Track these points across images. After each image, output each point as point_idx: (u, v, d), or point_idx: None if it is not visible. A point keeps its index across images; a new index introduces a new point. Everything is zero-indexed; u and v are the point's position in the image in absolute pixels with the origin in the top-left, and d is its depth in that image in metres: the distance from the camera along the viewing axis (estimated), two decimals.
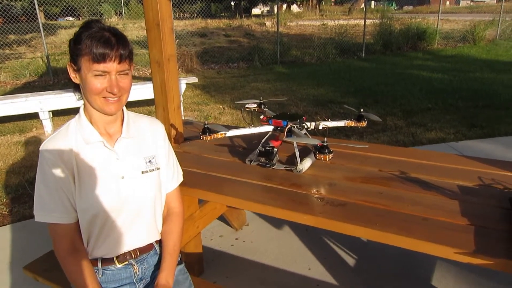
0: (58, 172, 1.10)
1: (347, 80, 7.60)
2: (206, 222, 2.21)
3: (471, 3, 39.55)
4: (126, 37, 1.13)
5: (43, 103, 4.63)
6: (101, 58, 1.06)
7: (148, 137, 1.28)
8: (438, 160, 1.76)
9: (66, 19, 19.04)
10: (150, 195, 1.24)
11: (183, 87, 5.13)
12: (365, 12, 11.15)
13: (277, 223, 2.71)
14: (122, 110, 1.23)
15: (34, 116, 4.93)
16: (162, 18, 1.78)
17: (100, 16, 18.42)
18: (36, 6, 7.24)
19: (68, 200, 1.13)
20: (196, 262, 2.19)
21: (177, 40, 9.41)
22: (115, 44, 1.07)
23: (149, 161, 1.25)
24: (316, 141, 1.46)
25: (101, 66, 1.07)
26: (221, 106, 5.90)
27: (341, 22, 12.74)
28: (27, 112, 4.69)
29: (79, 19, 19.56)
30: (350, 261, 2.30)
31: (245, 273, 2.23)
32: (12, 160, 4.01)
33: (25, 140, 4.62)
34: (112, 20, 16.35)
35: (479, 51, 10.76)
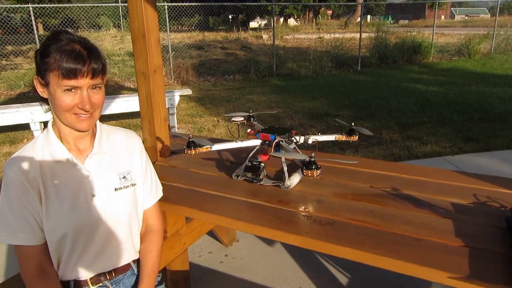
0: (22, 191, 1.03)
1: (343, 93, 7.59)
2: (193, 238, 2.12)
3: (466, 18, 40.15)
4: (98, 48, 1.07)
5: (34, 114, 4.56)
6: (72, 74, 0.99)
7: (123, 151, 1.21)
8: (431, 176, 1.70)
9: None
10: (125, 213, 1.17)
11: (176, 99, 5.09)
12: (361, 26, 11.23)
13: (268, 239, 2.62)
14: (95, 124, 1.17)
15: (26, 127, 4.86)
16: (148, 28, 1.73)
17: (99, 28, 18.52)
18: (32, 18, 7.25)
19: (35, 220, 1.05)
20: (182, 281, 2.09)
21: (173, 52, 9.41)
22: (87, 58, 1.01)
23: (124, 177, 1.18)
24: (304, 156, 1.40)
25: (72, 82, 1.00)
26: (216, 119, 5.86)
27: (337, 35, 12.81)
28: (18, 123, 4.62)
29: (77, 31, 19.64)
30: (343, 280, 2.22)
31: None
32: (0, 170, 3.92)
33: (15, 151, 4.54)
34: (111, 32, 16.41)
35: (474, 65, 10.84)
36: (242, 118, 1.72)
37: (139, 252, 1.26)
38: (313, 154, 1.37)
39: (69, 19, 16.45)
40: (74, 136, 1.11)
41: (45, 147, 1.09)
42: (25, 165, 1.05)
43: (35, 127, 4.62)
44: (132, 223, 1.21)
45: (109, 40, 13.49)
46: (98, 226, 1.11)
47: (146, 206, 1.28)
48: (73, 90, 1.01)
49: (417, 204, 1.43)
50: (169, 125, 5.42)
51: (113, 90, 8.28)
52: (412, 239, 1.19)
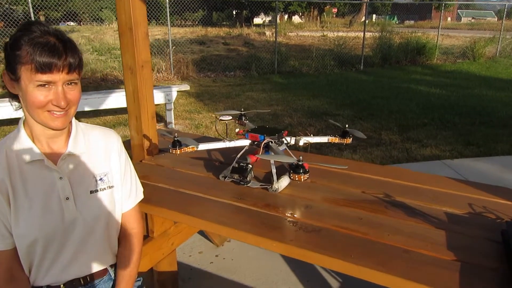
0: None
1: (344, 92, 7.51)
2: (182, 238, 2.07)
3: (472, 20, 39.87)
4: (74, 42, 1.00)
5: None
6: (46, 68, 0.92)
7: (100, 151, 1.15)
8: (426, 183, 1.63)
9: (68, 24, 19.05)
10: (101, 217, 1.11)
11: (174, 94, 5.02)
12: (365, 25, 11.13)
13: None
14: (70, 122, 1.09)
15: None
16: (135, 22, 1.66)
17: (101, 22, 18.43)
18: (31, 10, 7.19)
19: (3, 225, 0.99)
20: (170, 282, 2.04)
21: (174, 47, 9.33)
22: (63, 51, 0.94)
23: (100, 179, 1.12)
24: (292, 159, 1.34)
25: (46, 77, 0.93)
26: (214, 115, 5.79)
27: (341, 34, 12.70)
28: (13, 117, 4.55)
29: (80, 24, 19.57)
30: (335, 285, 2.16)
31: None
32: None
33: None
34: (113, 26, 16.33)
35: (478, 68, 10.72)
36: (231, 117, 1.65)
37: (116, 256, 1.20)
38: (301, 157, 1.31)
39: (71, 12, 16.39)
40: (47, 135, 1.04)
41: (15, 147, 1.02)
42: None
43: None
44: (109, 226, 1.15)
45: (110, 34, 13.41)
46: (72, 230, 1.05)
47: (125, 209, 1.22)
48: (46, 85, 0.94)
49: (409, 212, 1.36)
50: (165, 121, 5.35)
51: (113, 85, 8.22)
52: (401, 250, 1.13)
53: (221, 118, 1.62)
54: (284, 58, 10.18)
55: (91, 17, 18.95)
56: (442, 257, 1.09)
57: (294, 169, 1.30)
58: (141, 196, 1.29)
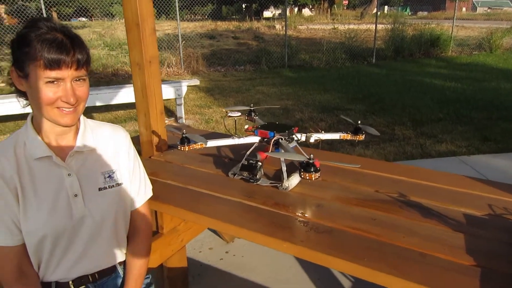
0: None
1: (355, 86, 7.39)
2: (192, 234, 2.05)
3: (488, 10, 38.88)
4: (81, 38, 0.99)
5: None
6: (55, 65, 0.92)
7: (109, 148, 1.14)
8: (443, 182, 1.57)
9: (79, 20, 19.21)
10: (110, 214, 1.10)
11: (184, 89, 5.00)
12: (377, 17, 10.91)
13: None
14: (78, 119, 1.09)
15: None
16: (142, 17, 1.63)
17: (112, 17, 18.50)
18: (43, 6, 7.25)
19: (12, 221, 0.99)
20: (180, 278, 2.03)
21: (183, 42, 9.30)
22: (71, 48, 0.94)
23: (109, 176, 1.11)
24: (303, 157, 1.29)
25: (55, 73, 0.93)
26: (224, 110, 5.76)
27: (352, 26, 12.49)
28: (26, 112, 4.60)
29: (91, 20, 19.70)
30: (346, 283, 2.12)
31: None
32: None
33: None
34: (123, 21, 16.40)
35: (495, 60, 10.42)
36: (239, 114, 1.61)
37: (125, 254, 1.20)
38: (312, 155, 1.26)
39: (83, 8, 16.50)
40: (55, 132, 1.04)
41: (23, 144, 1.02)
42: (1, 164, 0.99)
43: None
44: (118, 224, 1.14)
45: (121, 29, 13.43)
46: (80, 227, 1.05)
47: (134, 206, 1.21)
48: (55, 82, 0.94)
49: (425, 213, 1.31)
50: (176, 116, 5.35)
51: (124, 80, 8.25)
52: (416, 253, 1.08)
53: (229, 114, 1.58)
54: (294, 52, 10.07)
55: (102, 12, 19.05)
56: (460, 262, 1.04)
57: (305, 167, 1.26)
58: (150, 194, 1.28)
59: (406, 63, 10.17)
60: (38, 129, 1.03)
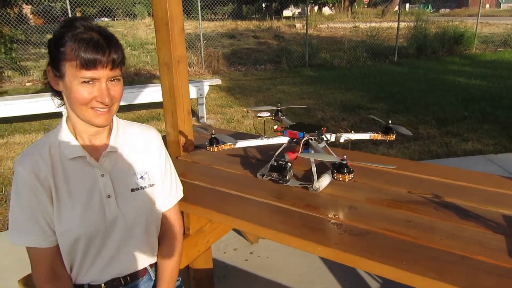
0: (33, 191, 0.97)
1: (377, 85, 7.28)
2: (217, 235, 2.05)
3: None
4: (117, 38, 0.99)
5: None
6: (91, 65, 0.91)
7: (141, 149, 1.13)
8: (478, 182, 1.52)
9: (102, 20, 19.59)
10: (142, 215, 1.10)
11: (206, 89, 5.03)
12: (399, 14, 10.71)
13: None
14: (112, 119, 1.09)
15: (60, 115, 4.98)
16: (171, 17, 1.64)
17: (134, 17, 18.81)
18: (68, 7, 7.43)
19: (46, 222, 0.99)
20: (206, 279, 2.04)
21: (204, 41, 9.36)
22: (106, 48, 0.93)
23: (141, 177, 1.10)
24: (335, 158, 1.27)
25: (91, 73, 0.92)
26: (245, 109, 5.77)
27: (373, 24, 12.30)
28: (52, 111, 4.73)
29: (114, 20, 20.06)
30: (374, 285, 2.09)
31: None
32: None
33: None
34: (145, 21, 16.62)
35: None
36: (269, 114, 1.60)
37: (157, 256, 1.19)
38: (345, 156, 1.24)
39: (106, 8, 16.81)
40: (89, 132, 1.04)
41: (58, 143, 1.02)
42: (36, 163, 0.98)
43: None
44: (149, 225, 1.13)
45: (143, 29, 13.65)
46: (113, 228, 1.05)
47: (165, 208, 1.20)
48: (90, 82, 0.94)
49: (462, 214, 1.27)
50: (197, 116, 5.38)
51: (145, 79, 8.37)
52: (456, 256, 1.04)
53: (259, 114, 1.57)
54: (315, 51, 10.00)
55: (125, 12, 19.36)
56: (503, 265, 1.00)
57: (338, 168, 1.23)
58: (181, 195, 1.27)
59: (429, 61, 9.94)
60: (72, 130, 1.04)
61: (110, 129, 1.09)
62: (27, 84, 8.10)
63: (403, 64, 9.63)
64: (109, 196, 1.03)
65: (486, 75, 7.79)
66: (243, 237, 2.57)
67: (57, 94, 1.03)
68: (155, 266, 1.19)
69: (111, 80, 0.97)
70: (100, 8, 17.02)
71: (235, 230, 2.58)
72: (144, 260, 1.15)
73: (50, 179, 0.98)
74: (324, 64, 9.81)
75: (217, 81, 5.50)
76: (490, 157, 3.83)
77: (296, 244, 1.16)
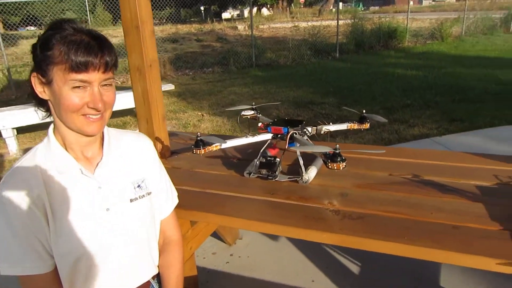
0: (25, 212, 0.89)
1: (324, 80, 7.57)
2: (199, 241, 2.02)
3: (433, 2, 40.97)
4: (108, 40, 0.93)
5: (6, 119, 4.28)
6: (82, 67, 0.85)
7: (135, 157, 1.08)
8: (447, 159, 1.67)
9: (27, 29, 18.21)
10: (143, 226, 1.05)
11: None
12: (338, 12, 11.24)
13: (272, 234, 2.55)
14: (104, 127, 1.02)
15: None
16: (141, 20, 1.60)
17: None
18: None
19: (42, 246, 0.91)
20: (192, 287, 2.00)
21: None
22: (98, 50, 0.87)
23: (138, 186, 1.05)
24: (327, 149, 1.32)
25: (82, 76, 0.86)
26: (200, 113, 5.71)
27: (314, 23, 12.77)
28: None
29: (41, 28, 18.76)
30: (354, 269, 2.18)
31: None
32: None
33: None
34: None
35: (447, 47, 11.06)
36: (253, 112, 1.62)
37: (158, 266, 1.15)
38: (337, 145, 1.30)
39: (32, 16, 15.65)
40: (81, 143, 0.97)
41: (47, 158, 0.94)
42: (26, 182, 0.90)
43: (7, 134, 4.32)
44: (150, 236, 1.09)
45: None
46: (115, 243, 0.99)
47: (163, 215, 1.17)
48: (81, 86, 0.87)
49: (442, 189, 1.38)
50: None
51: None
52: (449, 226, 1.14)
53: (243, 113, 1.58)
54: (261, 51, 10.14)
55: (53, 20, 18.16)
56: (490, 228, 1.12)
57: (332, 158, 1.29)
58: (176, 201, 1.24)
59: (368, 56, 10.53)
60: (62, 142, 0.97)
61: (102, 139, 1.03)
62: None
63: (345, 59, 10.11)
64: (108, 210, 0.98)
65: (420, 65, 8.42)
66: (221, 240, 2.55)
67: (42, 103, 0.95)
68: (157, 277, 1.15)
69: (103, 85, 0.92)
70: (24, 16, 15.79)
71: (211, 234, 2.56)
72: (146, 273, 1.10)
73: (43, 197, 0.91)
74: (270, 63, 9.99)
75: (170, 86, 5.39)
76: (436, 139, 4.16)
77: (302, 234, 1.19)
